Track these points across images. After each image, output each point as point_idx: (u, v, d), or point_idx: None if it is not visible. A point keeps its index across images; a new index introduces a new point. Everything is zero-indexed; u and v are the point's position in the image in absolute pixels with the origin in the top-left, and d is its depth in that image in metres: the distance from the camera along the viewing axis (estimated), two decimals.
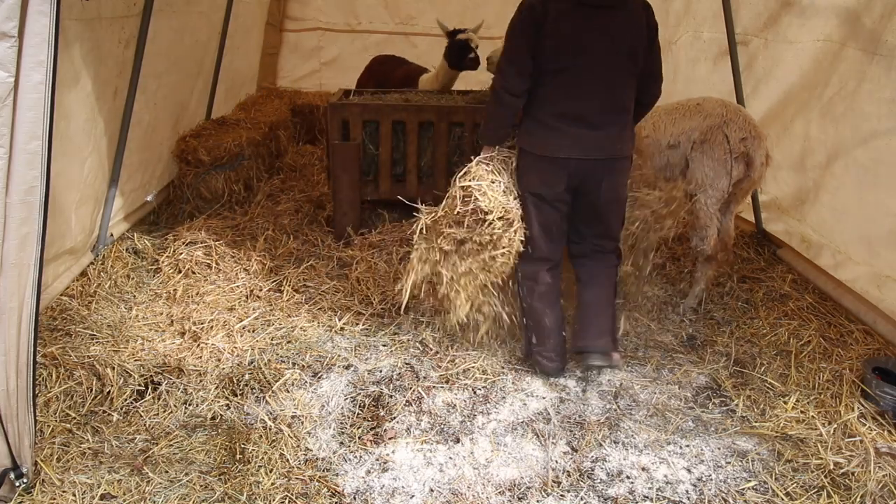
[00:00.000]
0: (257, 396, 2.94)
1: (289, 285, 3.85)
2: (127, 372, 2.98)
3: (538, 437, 2.75)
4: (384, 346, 3.35)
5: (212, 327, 3.42)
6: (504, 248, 2.98)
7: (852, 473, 2.53)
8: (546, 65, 2.81)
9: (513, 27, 2.84)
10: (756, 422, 2.87)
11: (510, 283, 3.22)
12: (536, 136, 2.91)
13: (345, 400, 2.95)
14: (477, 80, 5.90)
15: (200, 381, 3.01)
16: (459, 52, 4.97)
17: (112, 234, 4.20)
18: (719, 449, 2.71)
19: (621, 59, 2.84)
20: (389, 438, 2.71)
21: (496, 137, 3.05)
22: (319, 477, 2.49)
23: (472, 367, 3.18)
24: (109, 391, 2.88)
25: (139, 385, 2.95)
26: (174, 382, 2.97)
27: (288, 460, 2.56)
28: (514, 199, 3.00)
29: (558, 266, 3.16)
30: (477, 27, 5.18)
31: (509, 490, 2.46)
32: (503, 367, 3.22)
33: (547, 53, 2.78)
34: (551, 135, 2.87)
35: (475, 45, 5.00)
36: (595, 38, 2.80)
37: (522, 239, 3.01)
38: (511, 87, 2.84)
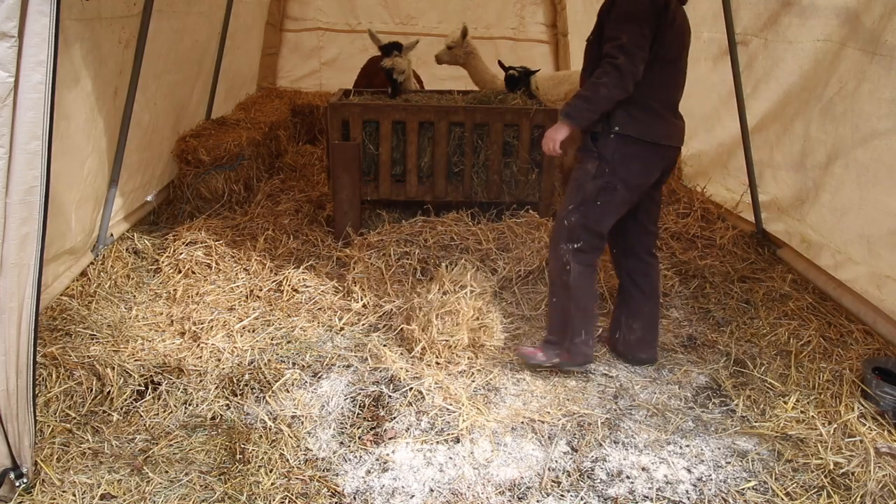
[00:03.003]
0: (257, 396, 2.94)
1: (289, 285, 3.85)
2: (127, 372, 2.98)
3: (538, 437, 2.75)
4: (384, 345, 3.35)
5: (212, 327, 3.42)
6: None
7: (852, 473, 2.52)
8: (661, 53, 2.81)
9: (635, 14, 2.75)
10: (756, 422, 2.87)
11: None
12: (647, 124, 2.87)
13: (345, 400, 2.95)
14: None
15: (200, 381, 3.00)
16: (384, 76, 4.76)
17: (112, 234, 4.20)
18: (719, 449, 2.71)
19: (688, 51, 3.00)
20: (389, 438, 2.71)
21: (591, 121, 2.89)
22: (319, 477, 2.49)
23: (473, 366, 3.18)
24: (109, 391, 2.88)
25: (139, 385, 2.95)
26: (174, 382, 2.97)
27: (288, 460, 2.56)
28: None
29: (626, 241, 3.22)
30: (410, 44, 4.82)
31: (509, 490, 2.46)
32: (503, 367, 3.22)
33: (666, 42, 2.81)
34: (659, 122, 2.89)
35: (400, 73, 4.67)
36: (683, 27, 2.92)
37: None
38: (637, 72, 2.76)
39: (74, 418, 2.75)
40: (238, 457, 2.56)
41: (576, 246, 2.98)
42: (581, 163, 2.99)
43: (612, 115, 2.86)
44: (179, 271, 4.00)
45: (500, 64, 5.59)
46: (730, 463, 2.63)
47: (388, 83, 4.76)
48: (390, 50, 4.67)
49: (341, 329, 3.53)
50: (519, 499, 2.43)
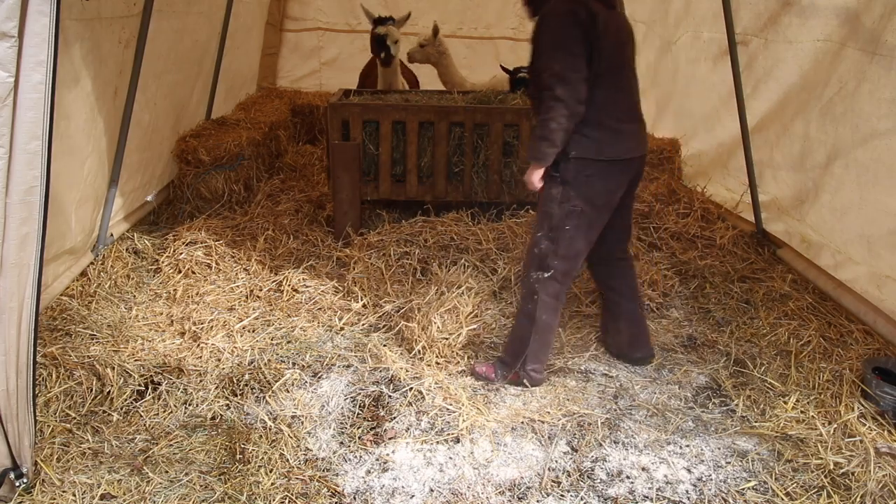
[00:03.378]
0: (257, 396, 2.94)
1: (289, 285, 3.85)
2: (127, 372, 2.98)
3: (538, 437, 2.75)
4: (384, 345, 3.35)
5: (212, 327, 3.42)
6: None
7: (852, 473, 2.52)
8: (603, 66, 2.72)
9: (562, 40, 2.69)
10: (756, 422, 2.87)
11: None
12: (602, 142, 2.77)
13: (345, 400, 2.95)
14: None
15: (200, 381, 3.00)
16: (376, 46, 4.86)
17: (112, 234, 4.20)
18: (719, 449, 2.71)
19: (633, 55, 2.94)
20: (389, 438, 2.71)
21: (558, 152, 2.78)
22: (319, 477, 2.49)
23: (472, 365, 3.18)
24: (109, 391, 2.88)
25: (139, 385, 2.95)
26: (174, 382, 2.97)
27: (288, 460, 2.56)
28: None
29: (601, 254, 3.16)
30: (403, 18, 5.03)
31: (509, 490, 2.46)
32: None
33: (604, 54, 2.72)
34: (615, 138, 2.80)
35: (394, 41, 4.85)
36: (620, 33, 2.85)
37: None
38: (579, 96, 2.68)
39: (74, 418, 2.75)
40: (238, 457, 2.56)
41: (546, 275, 2.90)
42: (546, 188, 2.86)
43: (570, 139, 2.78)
44: (179, 271, 4.00)
45: (503, 67, 5.58)
46: (730, 463, 2.63)
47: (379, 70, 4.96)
48: (385, 21, 4.86)
49: (341, 329, 3.53)
50: (519, 499, 2.43)
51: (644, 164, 3.01)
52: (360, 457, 2.61)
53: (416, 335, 3.29)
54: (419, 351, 3.24)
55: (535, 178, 2.83)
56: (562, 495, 2.45)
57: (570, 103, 2.67)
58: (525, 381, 3.05)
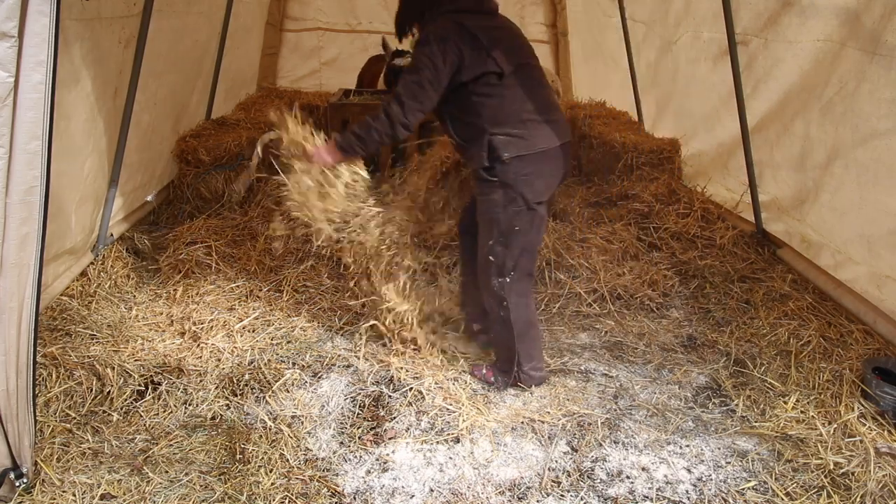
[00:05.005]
0: (257, 396, 2.94)
1: (289, 285, 3.85)
2: (127, 372, 2.98)
3: (538, 437, 2.75)
4: (383, 345, 3.35)
5: (212, 327, 3.42)
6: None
7: (852, 473, 2.53)
8: (505, 68, 2.72)
9: (427, 63, 2.66)
10: (756, 422, 2.87)
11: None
12: (529, 136, 2.77)
13: (345, 400, 2.95)
14: None
15: (200, 381, 3.01)
16: (392, 77, 4.86)
17: (112, 234, 4.20)
18: (719, 449, 2.71)
19: (530, 48, 2.93)
20: (389, 438, 2.71)
21: (362, 156, 2.92)
22: (319, 477, 2.49)
23: (472, 366, 3.19)
24: (109, 391, 2.88)
25: (139, 385, 2.95)
26: (174, 382, 2.97)
27: (288, 460, 2.56)
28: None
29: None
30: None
31: (509, 490, 2.46)
32: None
33: (501, 59, 2.72)
34: (540, 127, 2.80)
35: None
36: (511, 35, 2.86)
37: None
38: (409, 123, 2.72)
39: (74, 418, 2.75)
40: (238, 457, 2.57)
41: (508, 280, 2.89)
42: (485, 195, 2.83)
43: (491, 147, 2.74)
44: (179, 271, 4.00)
45: None
46: (730, 463, 2.63)
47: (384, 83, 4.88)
48: (402, 54, 4.85)
49: (341, 329, 3.53)
50: (519, 499, 2.43)
51: (569, 155, 2.97)
52: (360, 457, 2.61)
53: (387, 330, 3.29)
54: (418, 351, 3.24)
55: (327, 160, 2.89)
56: (562, 495, 2.45)
57: (395, 125, 2.71)
58: (527, 381, 3.04)
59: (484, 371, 3.13)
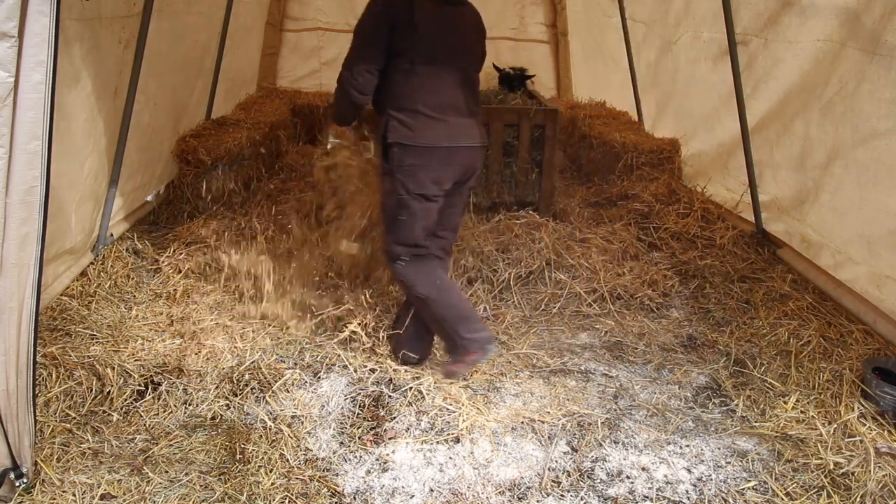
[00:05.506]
0: (257, 396, 2.94)
1: (289, 285, 3.84)
2: (127, 372, 2.98)
3: (538, 437, 2.75)
4: (383, 345, 3.35)
5: (212, 327, 3.42)
6: None
7: (852, 473, 2.53)
8: (417, 56, 2.82)
9: (363, 29, 2.85)
10: (756, 422, 2.87)
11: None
12: (417, 129, 2.83)
13: (345, 400, 2.95)
14: None
15: (200, 381, 3.00)
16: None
17: (112, 234, 4.20)
18: (719, 449, 2.71)
19: (471, 53, 3.03)
20: (389, 438, 2.71)
21: (342, 121, 3.17)
22: (319, 477, 2.49)
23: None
24: (109, 391, 2.88)
25: (139, 385, 2.95)
26: (174, 382, 2.97)
27: (288, 460, 2.56)
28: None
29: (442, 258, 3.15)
30: None
31: (509, 490, 2.46)
32: (502, 367, 3.22)
33: (419, 45, 2.81)
34: (432, 125, 2.85)
35: None
36: (450, 27, 2.93)
37: None
38: (360, 84, 2.86)
39: (74, 418, 2.75)
40: (238, 457, 2.57)
41: (401, 263, 2.98)
42: (381, 181, 2.98)
43: (386, 128, 2.86)
44: (179, 271, 4.00)
45: (495, 66, 5.61)
46: (730, 463, 2.63)
47: None
48: None
49: (341, 329, 3.52)
50: (519, 499, 2.43)
51: (477, 159, 2.99)
52: (360, 457, 2.61)
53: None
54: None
55: (332, 129, 3.26)
56: (562, 495, 2.45)
57: (347, 89, 2.90)
58: (473, 346, 2.97)
59: (450, 366, 3.10)
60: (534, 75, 5.42)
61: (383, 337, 3.31)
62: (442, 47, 2.88)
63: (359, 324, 3.35)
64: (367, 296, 3.55)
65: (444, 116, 2.87)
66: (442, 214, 3.00)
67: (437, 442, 2.70)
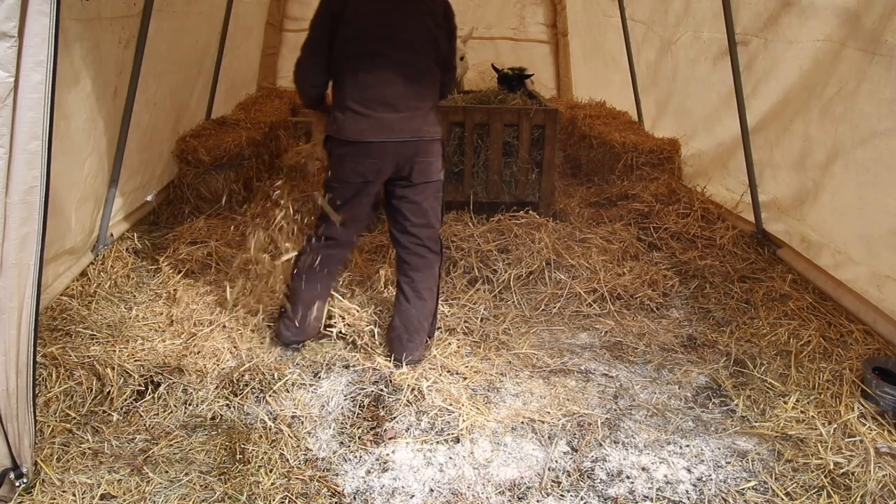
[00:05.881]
0: (257, 396, 2.94)
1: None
2: (127, 372, 2.98)
3: (538, 437, 2.75)
4: (383, 345, 3.35)
5: (212, 327, 3.42)
6: None
7: (852, 473, 2.53)
8: (348, 51, 2.87)
9: (313, 16, 2.96)
10: (756, 422, 2.87)
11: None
12: (344, 124, 2.91)
13: (345, 400, 2.95)
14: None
15: (200, 381, 3.00)
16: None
17: (112, 234, 4.20)
18: (719, 449, 2.71)
19: (425, 45, 2.95)
20: (389, 438, 2.71)
21: (309, 104, 3.23)
22: (319, 477, 2.49)
23: (471, 366, 3.19)
24: (109, 391, 2.88)
25: (139, 385, 2.95)
26: (174, 382, 2.97)
27: (288, 460, 2.56)
28: None
29: (340, 246, 3.22)
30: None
31: (509, 490, 2.46)
32: (502, 367, 3.22)
33: (349, 39, 2.85)
34: (357, 120, 2.89)
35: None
36: (393, 21, 2.89)
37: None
38: (304, 72, 3.03)
39: (74, 418, 2.75)
40: (238, 457, 2.57)
41: (315, 237, 3.15)
42: None
43: (329, 119, 3.01)
44: (179, 271, 4.00)
45: (494, 67, 5.62)
46: (730, 463, 2.63)
47: None
48: None
49: (341, 329, 3.52)
50: (519, 499, 2.43)
51: (414, 154, 2.96)
52: (360, 457, 2.61)
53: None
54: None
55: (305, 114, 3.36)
56: (562, 495, 2.45)
57: (297, 81, 3.07)
58: (277, 340, 3.26)
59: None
60: (532, 74, 5.43)
61: (374, 333, 3.31)
62: (376, 39, 2.87)
63: (347, 324, 3.35)
64: (349, 296, 3.57)
65: (369, 112, 2.88)
66: (401, 209, 3.09)
67: (437, 442, 2.70)
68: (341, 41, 2.87)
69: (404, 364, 3.13)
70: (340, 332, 3.35)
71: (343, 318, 3.38)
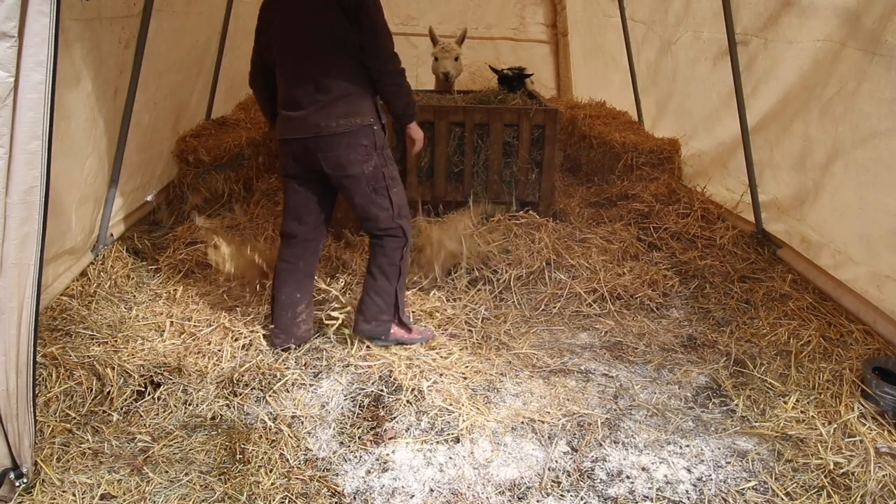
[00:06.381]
0: (257, 396, 2.94)
1: None
2: (127, 372, 2.98)
3: (538, 437, 2.75)
4: (383, 345, 3.34)
5: (212, 327, 3.42)
6: None
7: (852, 473, 2.53)
8: (272, 57, 3.11)
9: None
10: (756, 422, 2.87)
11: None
12: (279, 123, 3.19)
13: (345, 400, 2.95)
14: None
15: (200, 381, 3.01)
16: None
17: (112, 234, 4.20)
18: (719, 449, 2.71)
19: (319, 39, 2.98)
20: (389, 438, 2.71)
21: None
22: (319, 477, 2.49)
23: (471, 366, 3.19)
24: (109, 391, 2.88)
25: (139, 385, 2.95)
26: (174, 382, 2.97)
27: (288, 460, 2.56)
28: None
29: (304, 243, 3.30)
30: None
31: (509, 490, 2.46)
32: (502, 367, 3.22)
33: (272, 47, 3.09)
34: (282, 121, 3.15)
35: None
36: (288, 24, 3.03)
37: None
38: (252, 81, 3.34)
39: (74, 418, 2.75)
40: (238, 457, 2.57)
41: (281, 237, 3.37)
42: None
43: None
44: (179, 271, 4.00)
45: (491, 67, 5.61)
46: (730, 463, 2.63)
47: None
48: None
49: (341, 329, 3.52)
50: (519, 499, 2.43)
51: (316, 149, 3.06)
52: (360, 457, 2.61)
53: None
54: (417, 351, 3.25)
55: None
56: (562, 495, 2.45)
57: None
58: (270, 342, 3.33)
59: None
60: (532, 73, 5.42)
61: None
62: (284, 46, 3.06)
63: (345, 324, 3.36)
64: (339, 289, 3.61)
65: (286, 112, 3.12)
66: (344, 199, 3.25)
67: (437, 442, 2.70)
68: (268, 55, 3.14)
69: (356, 337, 3.33)
70: (342, 325, 3.35)
71: (340, 314, 3.40)
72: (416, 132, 3.36)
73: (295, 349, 3.29)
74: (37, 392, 2.57)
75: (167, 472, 2.50)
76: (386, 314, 3.26)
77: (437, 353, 3.27)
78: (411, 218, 3.52)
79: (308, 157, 3.10)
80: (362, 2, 2.94)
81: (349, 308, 3.47)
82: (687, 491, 2.48)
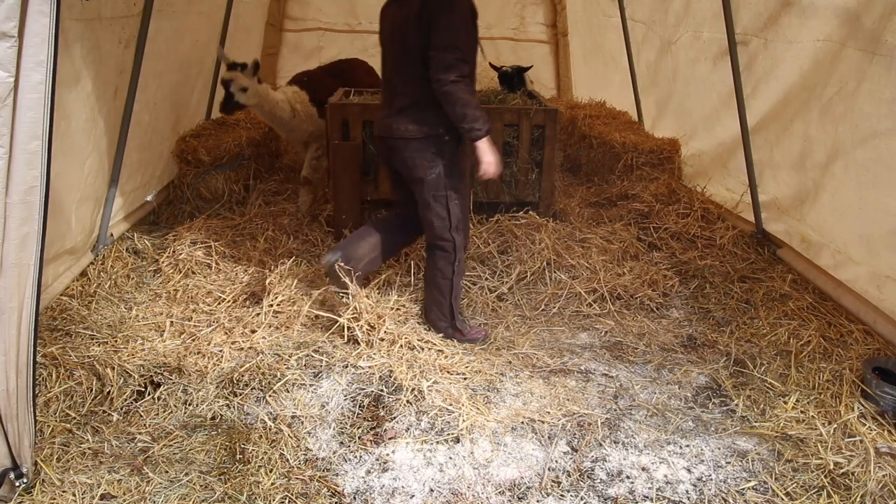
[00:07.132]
0: (257, 396, 2.94)
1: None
2: (127, 372, 2.98)
3: (538, 437, 2.75)
4: (384, 346, 3.34)
5: (212, 327, 3.42)
6: None
7: (852, 473, 2.53)
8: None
9: None
10: (756, 422, 2.87)
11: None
12: None
13: (345, 400, 2.95)
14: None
15: (200, 381, 3.01)
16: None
17: (112, 234, 4.20)
18: (719, 449, 2.71)
19: (401, 46, 3.10)
20: (389, 438, 2.71)
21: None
22: (319, 477, 2.49)
23: (471, 366, 3.19)
24: (109, 391, 2.88)
25: (139, 385, 2.95)
26: (174, 382, 2.97)
27: (288, 460, 2.56)
28: None
29: (398, 206, 3.58)
30: (253, 63, 4.49)
31: (509, 490, 2.46)
32: (502, 367, 3.22)
33: (381, 43, 3.26)
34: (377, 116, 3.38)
35: (236, 88, 4.41)
36: (388, 28, 3.18)
37: None
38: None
39: (74, 418, 2.75)
40: (238, 457, 2.57)
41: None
42: None
43: None
44: (179, 271, 4.00)
45: (491, 65, 5.61)
46: (730, 463, 2.63)
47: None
48: (236, 67, 4.43)
49: (341, 329, 3.52)
50: (519, 499, 2.43)
51: (390, 150, 3.26)
52: (360, 457, 2.61)
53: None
54: (418, 351, 3.25)
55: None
56: (562, 495, 2.45)
57: None
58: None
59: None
60: (530, 66, 5.43)
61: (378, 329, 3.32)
62: (383, 46, 3.24)
63: (352, 318, 3.34)
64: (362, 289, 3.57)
65: (381, 110, 3.33)
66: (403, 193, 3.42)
67: (437, 442, 2.70)
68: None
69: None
70: (348, 321, 3.35)
71: (353, 310, 3.39)
72: (483, 153, 3.02)
73: (333, 280, 3.41)
74: (37, 392, 2.57)
75: (167, 472, 2.50)
76: (443, 321, 3.46)
77: (437, 353, 3.27)
78: (469, 232, 3.54)
79: (388, 154, 3.32)
80: (438, 13, 2.90)
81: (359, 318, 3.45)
82: (687, 491, 2.48)
